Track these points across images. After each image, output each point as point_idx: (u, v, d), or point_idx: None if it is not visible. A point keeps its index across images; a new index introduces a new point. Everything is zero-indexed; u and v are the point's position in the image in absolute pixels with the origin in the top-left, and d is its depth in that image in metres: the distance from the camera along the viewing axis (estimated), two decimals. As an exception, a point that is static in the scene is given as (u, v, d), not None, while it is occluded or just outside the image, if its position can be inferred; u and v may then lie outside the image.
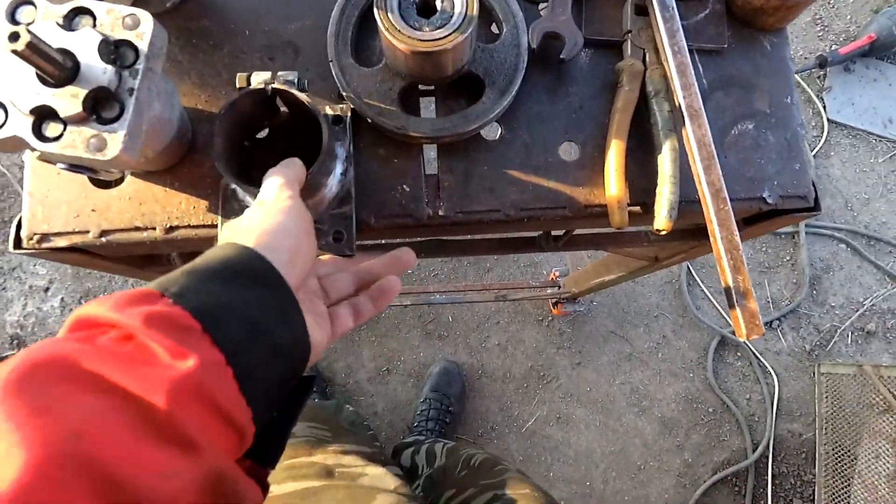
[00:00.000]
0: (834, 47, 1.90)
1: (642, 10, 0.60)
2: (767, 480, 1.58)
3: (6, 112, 0.45)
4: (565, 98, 0.60)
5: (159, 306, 0.31)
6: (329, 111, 0.57)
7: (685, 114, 0.55)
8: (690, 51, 0.58)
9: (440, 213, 0.58)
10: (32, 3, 0.47)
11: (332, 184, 0.55)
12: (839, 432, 1.54)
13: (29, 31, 0.41)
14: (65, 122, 0.45)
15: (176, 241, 0.57)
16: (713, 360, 1.65)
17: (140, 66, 0.46)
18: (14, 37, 0.41)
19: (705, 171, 0.55)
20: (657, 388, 1.64)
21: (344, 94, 0.57)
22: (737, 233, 0.53)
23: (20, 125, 0.45)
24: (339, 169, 0.56)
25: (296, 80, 0.54)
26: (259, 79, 0.53)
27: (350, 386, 1.60)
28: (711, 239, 0.55)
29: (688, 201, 0.58)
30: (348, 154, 0.56)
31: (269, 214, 0.42)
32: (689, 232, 0.75)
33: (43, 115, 0.45)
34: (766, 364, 1.66)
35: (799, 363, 1.68)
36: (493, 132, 0.60)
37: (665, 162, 0.56)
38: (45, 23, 0.46)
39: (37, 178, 0.57)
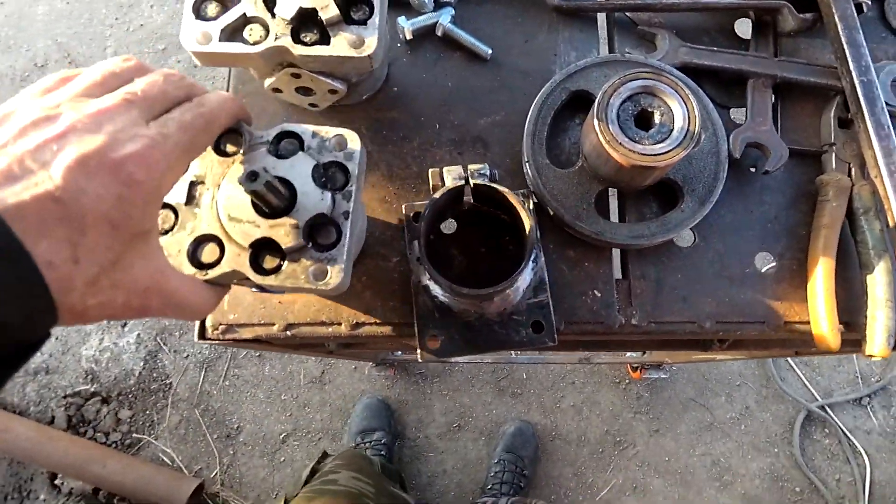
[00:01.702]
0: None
1: (845, 123, 0.58)
2: (862, 573, 1.49)
3: (221, 247, 0.44)
4: (759, 207, 0.58)
5: None
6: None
7: (905, 236, 0.52)
8: (899, 166, 0.56)
9: (633, 321, 0.55)
10: (237, 131, 0.47)
11: (527, 273, 0.53)
12: (939, 523, 1.45)
13: (266, 171, 0.40)
14: (283, 253, 0.44)
15: (360, 337, 0.56)
16: (800, 435, 1.57)
17: (352, 188, 0.46)
18: (252, 176, 0.39)
19: (931, 301, 0.51)
20: (740, 463, 1.56)
21: (536, 192, 0.56)
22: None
23: (238, 259, 0.43)
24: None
25: (488, 174, 0.53)
26: (452, 174, 0.52)
27: (420, 441, 1.57)
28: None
29: None
30: (537, 241, 0.55)
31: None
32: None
33: (259, 247, 0.44)
34: (857, 443, 1.58)
35: (892, 444, 1.59)
36: (685, 239, 0.58)
37: (878, 285, 0.53)
38: (258, 153, 0.45)
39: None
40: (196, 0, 0.51)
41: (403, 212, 0.56)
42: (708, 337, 0.57)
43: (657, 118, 0.51)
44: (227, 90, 0.67)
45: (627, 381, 1.60)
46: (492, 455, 1.52)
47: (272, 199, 0.43)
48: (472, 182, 0.50)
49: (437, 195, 0.49)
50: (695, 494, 1.54)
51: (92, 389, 1.68)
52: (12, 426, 1.56)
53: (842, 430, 1.59)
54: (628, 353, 1.49)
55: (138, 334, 1.69)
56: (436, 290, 0.53)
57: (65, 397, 1.66)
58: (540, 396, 1.59)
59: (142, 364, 1.70)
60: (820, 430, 1.61)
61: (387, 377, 1.62)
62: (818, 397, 1.61)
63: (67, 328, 1.72)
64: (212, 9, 0.51)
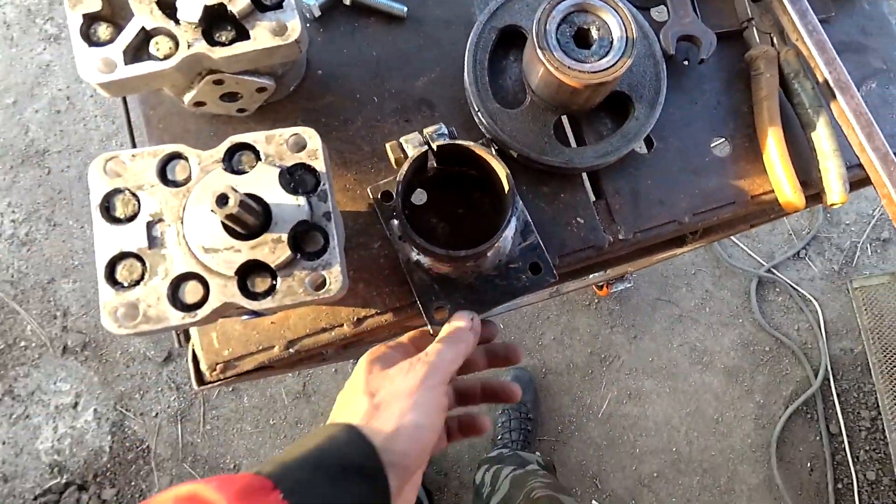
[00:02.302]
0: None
1: (757, -4, 0.60)
2: (834, 401, 1.67)
3: (203, 283, 0.40)
4: (701, 97, 0.60)
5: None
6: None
7: (834, 88, 0.56)
8: (809, 25, 0.59)
9: (620, 236, 0.57)
10: (182, 156, 0.42)
11: (513, 222, 0.53)
12: (885, 338, 1.64)
13: (235, 190, 0.37)
14: (273, 272, 0.41)
15: (365, 333, 0.53)
16: (756, 301, 1.71)
17: (325, 186, 0.43)
18: (222, 200, 0.36)
19: (868, 139, 0.56)
20: (713, 342, 1.69)
21: (495, 139, 0.55)
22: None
23: (226, 290, 0.40)
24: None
25: (447, 132, 0.51)
26: (411, 143, 0.50)
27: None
28: (886, 201, 0.56)
29: (849, 166, 0.59)
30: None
31: (410, 403, 0.39)
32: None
33: (245, 271, 0.41)
34: (805, 293, 1.74)
35: (833, 284, 1.77)
36: (643, 146, 0.59)
37: (822, 137, 0.57)
38: (212, 174, 0.42)
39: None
40: (82, 24, 0.44)
41: (370, 195, 0.53)
42: (688, 231, 0.59)
43: (594, 33, 0.50)
44: (129, 123, 0.61)
45: (597, 300, 1.67)
46: (494, 408, 1.55)
47: (248, 218, 0.39)
48: (433, 145, 0.48)
49: (404, 167, 0.47)
50: (682, 382, 1.66)
51: (63, 481, 1.55)
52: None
53: (790, 285, 1.75)
54: (592, 275, 1.55)
55: (94, 409, 1.56)
56: (427, 261, 0.52)
57: (35, 499, 1.52)
58: (522, 339, 1.63)
59: (109, 438, 1.58)
60: (772, 291, 1.76)
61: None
62: (763, 263, 1.76)
63: (10, 427, 1.55)
64: (103, 31, 0.45)
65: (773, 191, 0.58)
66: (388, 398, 0.40)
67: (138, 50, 0.45)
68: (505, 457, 1.31)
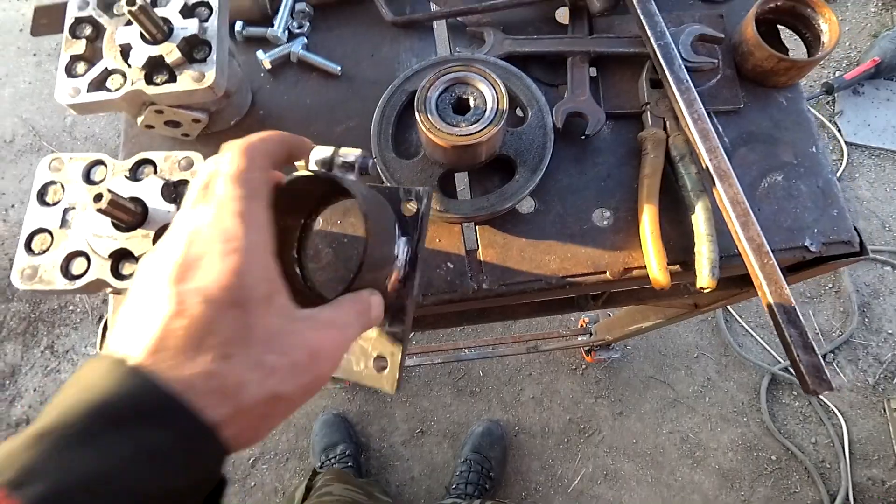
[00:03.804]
0: (838, 73, 1.94)
1: (657, 84, 0.64)
2: (850, 535, 1.48)
3: (89, 260, 0.51)
4: (593, 168, 0.64)
5: None
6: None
7: (714, 175, 0.58)
8: (709, 114, 0.62)
9: (484, 286, 0.60)
10: (103, 163, 0.54)
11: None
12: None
13: (110, 191, 0.47)
14: (138, 260, 0.51)
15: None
16: (767, 401, 1.59)
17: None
18: (98, 197, 0.47)
19: (743, 228, 0.56)
20: (710, 436, 1.58)
21: (388, 184, 0.62)
22: (786, 285, 0.54)
23: (101, 269, 0.51)
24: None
25: (356, 162, 0.49)
26: (318, 155, 0.51)
27: (385, 450, 1.58)
28: (760, 293, 0.56)
29: (728, 256, 0.59)
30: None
31: (210, 248, 0.28)
32: (731, 280, 0.76)
33: (119, 257, 0.51)
34: (829, 403, 1.59)
35: (865, 399, 1.60)
36: (527, 206, 0.63)
37: (700, 222, 0.58)
38: (115, 178, 0.53)
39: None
40: (67, 63, 0.59)
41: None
42: (555, 291, 0.62)
43: (472, 103, 0.57)
44: (121, 134, 0.74)
45: (584, 366, 1.62)
46: (458, 454, 1.53)
47: (120, 214, 0.49)
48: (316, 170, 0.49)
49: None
50: (668, 475, 1.55)
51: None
52: None
53: (807, 388, 1.60)
54: (580, 338, 1.53)
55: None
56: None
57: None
58: (499, 392, 1.61)
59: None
60: (787, 393, 1.63)
61: (346, 390, 1.64)
62: (779, 359, 1.63)
63: (42, 378, 1.76)
64: (80, 67, 0.59)
65: (645, 266, 0.60)
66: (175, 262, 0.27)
67: (100, 83, 0.58)
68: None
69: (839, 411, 1.59)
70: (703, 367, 1.63)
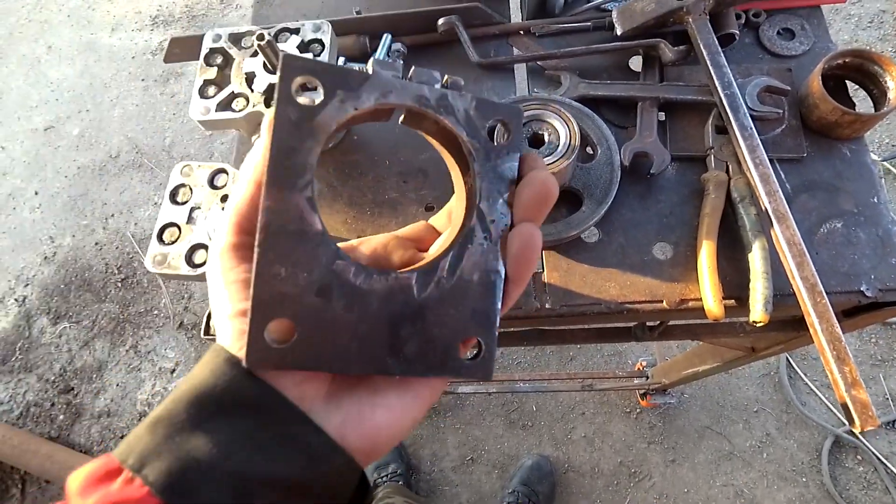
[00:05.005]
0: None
1: (722, 130, 0.68)
2: None
3: (208, 252, 0.61)
4: (656, 205, 0.69)
5: (116, 487, 0.24)
6: None
7: (772, 217, 0.61)
8: (771, 160, 0.65)
9: (547, 305, 0.65)
10: (225, 171, 0.64)
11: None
12: None
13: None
14: None
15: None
16: (829, 463, 1.51)
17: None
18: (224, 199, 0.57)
19: (798, 267, 0.59)
20: (765, 493, 1.51)
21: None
22: (837, 324, 0.56)
23: None
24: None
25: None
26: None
27: (435, 475, 1.61)
28: (812, 331, 0.58)
29: (783, 295, 0.62)
30: None
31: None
32: (787, 323, 0.77)
33: None
34: (895, 470, 1.50)
35: (935, 471, 1.49)
36: (592, 236, 0.68)
37: (756, 259, 0.61)
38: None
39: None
40: (201, 86, 0.70)
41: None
42: (613, 316, 0.66)
43: (546, 138, 0.63)
44: (233, 150, 0.86)
45: (638, 409, 1.61)
46: (506, 485, 1.54)
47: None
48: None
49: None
50: (720, 528, 1.49)
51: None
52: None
53: (876, 456, 1.51)
54: (636, 380, 1.52)
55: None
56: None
57: (122, 437, 1.84)
58: (551, 428, 1.62)
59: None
60: (851, 457, 1.54)
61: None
62: (844, 422, 1.55)
63: (125, 375, 1.92)
64: (211, 90, 0.70)
65: (701, 298, 0.63)
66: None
67: (227, 104, 0.69)
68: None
69: (910, 484, 1.48)
70: (762, 423, 1.57)
